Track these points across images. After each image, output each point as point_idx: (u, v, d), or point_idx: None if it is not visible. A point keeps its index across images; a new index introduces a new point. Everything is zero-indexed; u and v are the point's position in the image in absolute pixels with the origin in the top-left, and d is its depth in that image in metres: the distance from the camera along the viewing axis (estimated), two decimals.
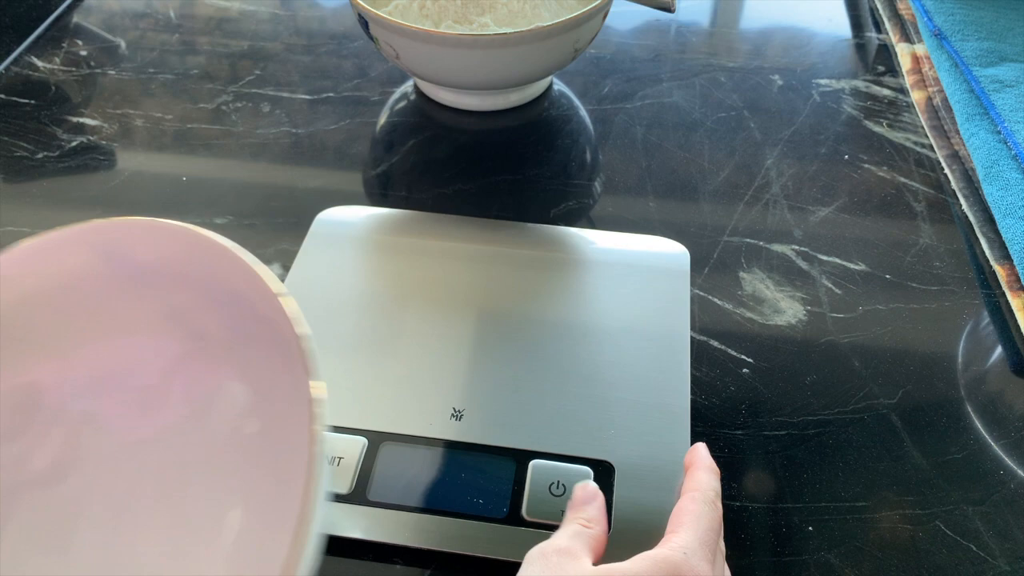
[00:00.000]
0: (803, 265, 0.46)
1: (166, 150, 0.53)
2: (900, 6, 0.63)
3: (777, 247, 0.47)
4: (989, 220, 0.47)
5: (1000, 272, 0.44)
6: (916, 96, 0.56)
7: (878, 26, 0.64)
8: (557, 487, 0.35)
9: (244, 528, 0.29)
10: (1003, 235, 0.45)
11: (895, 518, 0.35)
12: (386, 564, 0.33)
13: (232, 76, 0.59)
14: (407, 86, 0.58)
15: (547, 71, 0.52)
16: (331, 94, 0.57)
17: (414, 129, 0.55)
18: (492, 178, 0.51)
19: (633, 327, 0.41)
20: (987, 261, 0.45)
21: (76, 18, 0.64)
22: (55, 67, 0.59)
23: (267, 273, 0.28)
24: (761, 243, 0.47)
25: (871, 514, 0.35)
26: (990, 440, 0.38)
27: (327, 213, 0.47)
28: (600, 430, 0.36)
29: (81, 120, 0.55)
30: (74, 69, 0.59)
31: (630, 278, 0.43)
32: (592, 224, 0.48)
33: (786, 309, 0.43)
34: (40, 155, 0.52)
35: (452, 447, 0.36)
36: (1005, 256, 0.45)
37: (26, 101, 0.56)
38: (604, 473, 0.35)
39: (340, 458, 0.35)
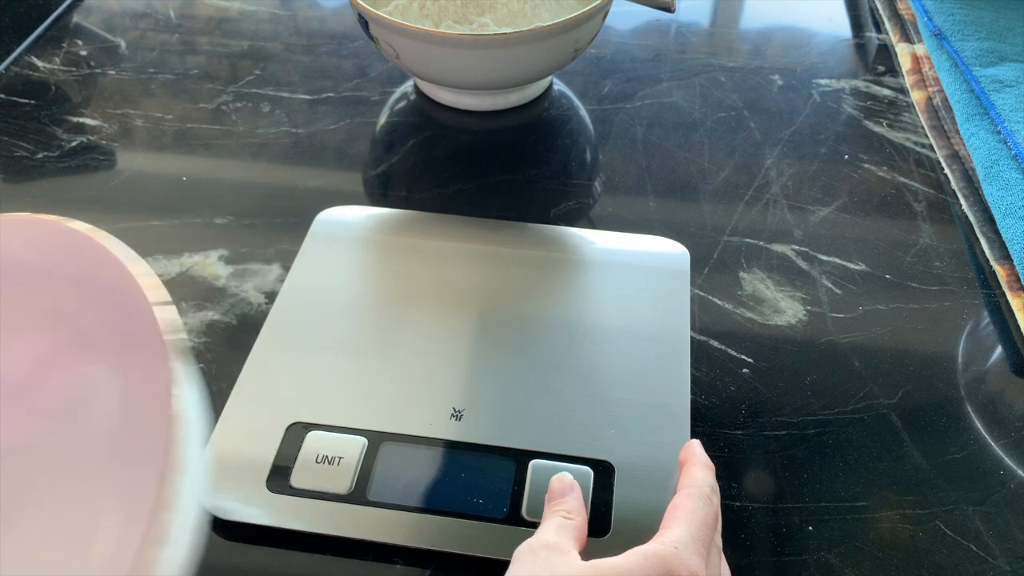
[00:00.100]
0: (803, 265, 0.46)
1: (166, 150, 0.53)
2: (900, 6, 0.63)
3: (777, 247, 0.47)
4: (989, 220, 0.47)
5: (1000, 272, 0.44)
6: (916, 96, 0.56)
7: (878, 26, 0.64)
8: None
9: (119, 531, 0.27)
10: (1003, 235, 0.45)
11: (895, 518, 0.35)
12: (386, 564, 0.33)
13: (232, 76, 0.59)
14: (407, 86, 0.58)
15: (547, 71, 0.52)
16: (331, 94, 0.57)
17: (414, 129, 0.55)
18: (492, 178, 0.51)
19: (633, 327, 0.41)
20: (987, 261, 0.45)
21: (76, 18, 0.64)
22: (55, 67, 0.59)
23: (142, 269, 0.27)
24: (761, 243, 0.47)
25: (871, 514, 0.35)
26: (990, 440, 0.38)
27: (327, 213, 0.47)
28: (600, 430, 0.36)
29: (81, 120, 0.55)
30: (74, 69, 0.59)
31: (630, 278, 0.43)
32: (592, 224, 0.48)
33: (786, 309, 0.43)
34: (40, 155, 0.52)
35: (452, 447, 0.36)
36: (1005, 256, 0.45)
37: (26, 101, 0.56)
38: (604, 473, 0.35)
39: (340, 458, 0.35)
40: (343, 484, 0.35)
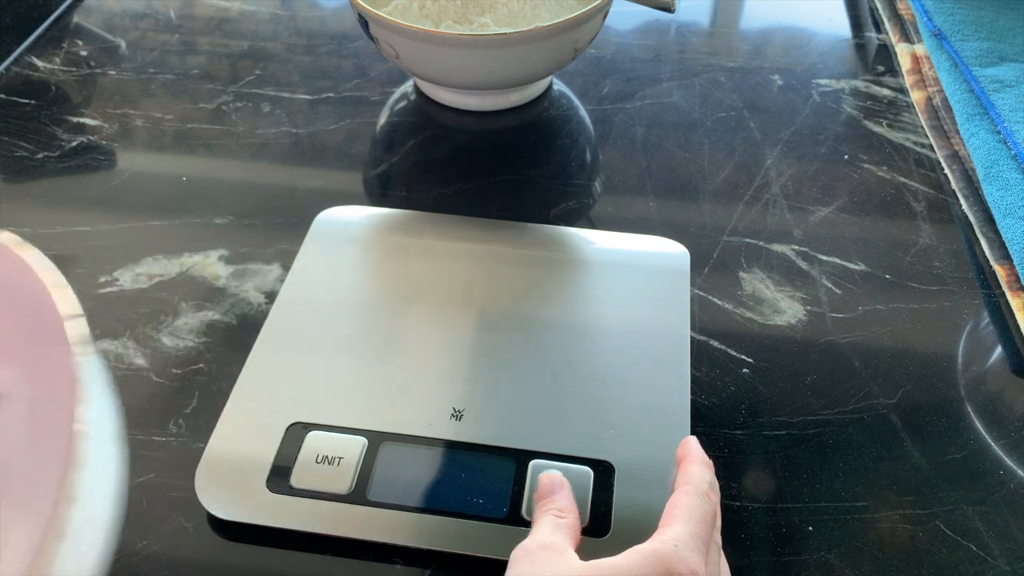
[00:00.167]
0: (803, 265, 0.46)
1: (166, 150, 0.53)
2: (900, 6, 0.63)
3: (777, 247, 0.47)
4: (989, 220, 0.47)
5: (1000, 272, 0.44)
6: (916, 96, 0.56)
7: (878, 26, 0.64)
8: None
9: (23, 528, 0.27)
10: (1003, 235, 0.45)
11: (895, 518, 0.35)
12: (386, 564, 0.33)
13: (232, 76, 0.59)
14: (407, 86, 0.58)
15: (547, 71, 0.52)
16: (331, 94, 0.57)
17: (414, 129, 0.55)
18: (492, 178, 0.51)
19: (633, 327, 0.41)
20: (987, 261, 0.45)
21: (76, 18, 0.64)
22: (55, 67, 0.59)
23: (56, 279, 0.27)
24: (761, 243, 0.47)
25: (871, 514, 0.35)
26: (990, 440, 0.38)
27: (327, 213, 0.47)
28: (600, 430, 0.36)
29: (81, 120, 0.55)
30: (74, 69, 0.59)
31: (630, 278, 0.43)
32: (592, 224, 0.48)
33: (786, 309, 0.43)
34: (40, 155, 0.52)
35: (452, 447, 0.36)
36: (1005, 256, 0.45)
37: (26, 101, 0.56)
38: (604, 473, 0.35)
39: (340, 458, 0.35)
40: (343, 484, 0.35)
